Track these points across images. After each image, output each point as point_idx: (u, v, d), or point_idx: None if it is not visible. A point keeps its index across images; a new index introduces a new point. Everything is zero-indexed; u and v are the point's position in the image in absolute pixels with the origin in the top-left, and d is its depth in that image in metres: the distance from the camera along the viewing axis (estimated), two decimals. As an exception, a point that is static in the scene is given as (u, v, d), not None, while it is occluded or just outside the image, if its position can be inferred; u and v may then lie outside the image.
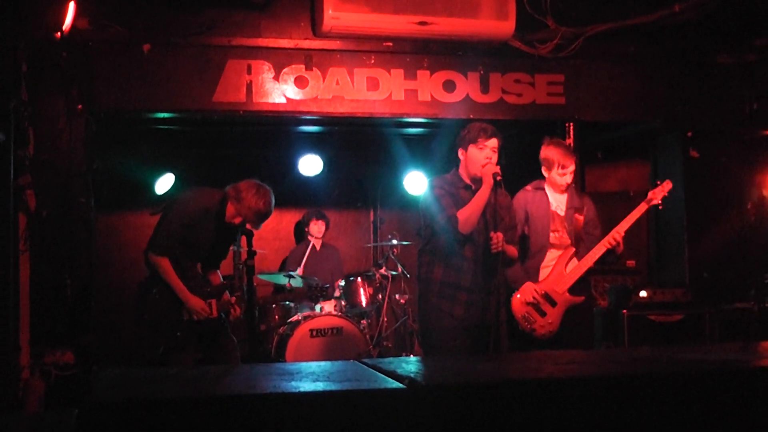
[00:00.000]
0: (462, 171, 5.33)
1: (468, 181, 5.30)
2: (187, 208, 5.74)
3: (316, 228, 8.76)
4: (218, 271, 6.10)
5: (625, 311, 6.69)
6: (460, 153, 5.31)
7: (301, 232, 9.21)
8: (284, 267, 8.62)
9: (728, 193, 7.64)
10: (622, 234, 5.71)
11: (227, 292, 5.97)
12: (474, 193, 5.20)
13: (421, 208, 5.40)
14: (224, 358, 5.83)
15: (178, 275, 5.67)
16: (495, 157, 5.21)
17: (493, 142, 5.21)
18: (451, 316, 5.17)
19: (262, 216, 5.71)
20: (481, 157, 5.19)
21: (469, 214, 5.12)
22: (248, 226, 5.66)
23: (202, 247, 5.81)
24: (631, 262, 8.06)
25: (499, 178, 5.11)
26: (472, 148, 5.23)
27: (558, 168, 5.80)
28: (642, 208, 5.81)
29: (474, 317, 5.15)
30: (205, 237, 5.79)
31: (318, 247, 8.77)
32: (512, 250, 5.38)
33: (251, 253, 5.42)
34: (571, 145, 7.31)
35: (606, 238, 5.71)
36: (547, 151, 5.85)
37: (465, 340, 5.15)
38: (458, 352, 5.10)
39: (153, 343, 5.81)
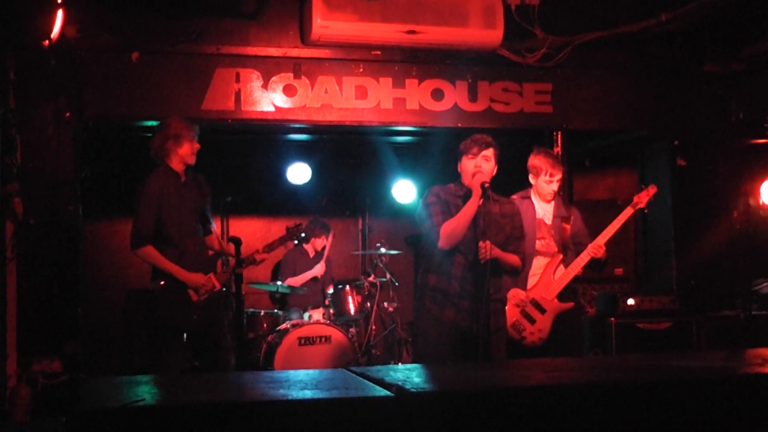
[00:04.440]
0: (465, 182, 5.28)
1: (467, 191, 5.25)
2: (145, 188, 5.57)
3: (320, 242, 8.70)
4: (214, 234, 5.92)
5: (612, 319, 6.70)
6: (459, 166, 5.29)
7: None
8: (278, 273, 8.58)
9: (715, 202, 7.67)
10: (606, 240, 5.75)
11: (220, 262, 5.84)
12: None
13: (416, 216, 5.39)
14: (219, 365, 5.73)
15: (184, 260, 5.55)
16: (488, 166, 5.14)
17: (487, 152, 5.17)
18: (440, 320, 5.15)
19: (188, 122, 5.76)
20: (471, 166, 5.16)
21: (453, 226, 5.08)
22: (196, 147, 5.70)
23: (184, 215, 5.62)
24: (618, 270, 8.08)
25: (487, 185, 5.07)
26: (464, 159, 5.21)
27: (545, 175, 5.84)
28: (627, 212, 5.86)
29: (464, 323, 5.14)
30: (178, 203, 5.60)
31: (311, 254, 8.75)
32: (514, 259, 5.26)
33: (239, 262, 5.40)
34: (559, 153, 7.33)
35: (591, 244, 5.75)
36: (536, 160, 5.90)
37: (454, 346, 5.14)
38: (446, 357, 5.09)
39: (169, 339, 5.59)
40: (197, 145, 5.72)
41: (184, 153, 5.67)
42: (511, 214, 5.34)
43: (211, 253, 5.89)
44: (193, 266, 5.58)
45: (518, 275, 5.49)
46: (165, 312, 5.56)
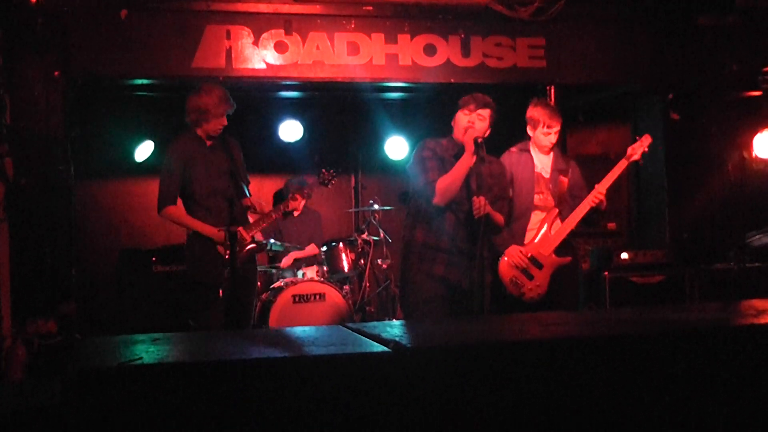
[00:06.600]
0: (455, 137, 5.29)
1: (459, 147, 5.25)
2: (169, 152, 5.68)
3: (296, 203, 8.57)
4: (248, 198, 5.81)
5: (606, 273, 6.72)
6: (453, 121, 5.30)
7: (281, 199, 9.10)
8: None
9: (709, 155, 7.67)
10: (605, 191, 5.71)
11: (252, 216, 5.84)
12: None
13: (408, 168, 5.38)
14: (243, 322, 5.75)
15: (210, 217, 5.58)
16: (481, 125, 5.18)
17: (483, 111, 5.19)
18: (431, 275, 5.17)
19: (226, 98, 5.68)
20: (464, 121, 5.17)
21: (449, 182, 5.08)
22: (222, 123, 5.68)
23: (212, 175, 5.66)
24: (612, 225, 8.09)
25: (480, 140, 5.07)
26: (459, 113, 5.22)
27: (543, 127, 5.77)
28: (622, 164, 5.80)
29: (454, 277, 5.15)
30: (203, 164, 5.66)
31: (297, 212, 8.68)
32: (499, 218, 5.32)
33: (233, 220, 5.38)
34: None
35: (589, 196, 5.70)
36: (534, 111, 5.82)
37: (444, 302, 5.16)
38: (436, 312, 5.10)
39: (204, 296, 5.58)
40: (225, 122, 5.70)
41: (210, 128, 5.68)
42: (499, 173, 5.41)
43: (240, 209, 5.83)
44: (220, 224, 5.57)
45: (499, 233, 5.50)
46: (195, 269, 5.61)
